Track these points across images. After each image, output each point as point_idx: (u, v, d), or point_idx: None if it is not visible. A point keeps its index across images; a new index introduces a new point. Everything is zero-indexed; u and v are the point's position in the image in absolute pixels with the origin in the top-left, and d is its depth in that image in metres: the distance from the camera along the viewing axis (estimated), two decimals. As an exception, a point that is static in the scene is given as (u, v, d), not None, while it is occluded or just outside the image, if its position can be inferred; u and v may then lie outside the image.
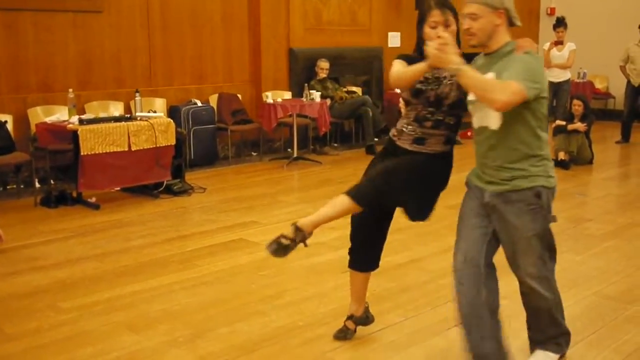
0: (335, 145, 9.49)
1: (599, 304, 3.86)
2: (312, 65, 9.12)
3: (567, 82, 9.36)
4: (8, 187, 6.76)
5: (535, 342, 3.03)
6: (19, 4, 6.82)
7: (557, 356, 3.01)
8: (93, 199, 6.18)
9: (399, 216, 3.19)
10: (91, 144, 5.93)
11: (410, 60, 2.97)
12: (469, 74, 2.57)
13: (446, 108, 2.97)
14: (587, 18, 11.81)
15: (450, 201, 3.09)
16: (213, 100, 8.40)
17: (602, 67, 11.69)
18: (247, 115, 8.54)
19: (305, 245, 2.99)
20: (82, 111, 6.92)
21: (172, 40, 8.07)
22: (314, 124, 8.62)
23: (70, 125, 6.05)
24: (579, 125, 7.98)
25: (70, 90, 6.51)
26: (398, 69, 2.93)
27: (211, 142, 8.12)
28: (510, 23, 2.76)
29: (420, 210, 3.06)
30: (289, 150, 8.64)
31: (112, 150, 6.06)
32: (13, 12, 6.80)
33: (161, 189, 6.54)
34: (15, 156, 6.36)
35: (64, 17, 7.14)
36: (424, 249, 4.85)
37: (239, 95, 8.60)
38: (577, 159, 7.98)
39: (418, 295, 4.01)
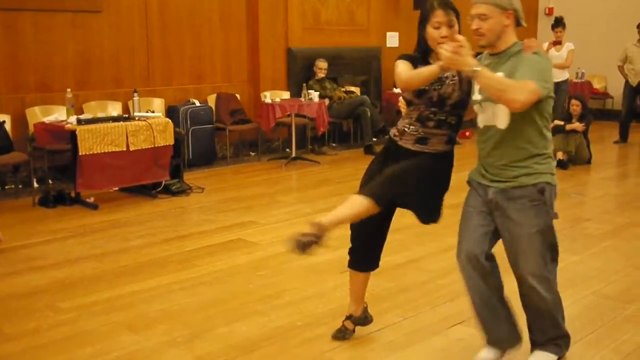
0: (334, 145, 9.49)
1: (597, 304, 3.87)
2: (310, 65, 9.12)
3: (565, 82, 9.37)
4: (6, 187, 6.76)
5: (535, 343, 3.04)
6: (18, 4, 6.81)
7: (556, 357, 3.01)
8: (91, 199, 6.17)
9: (398, 216, 3.19)
10: (89, 144, 5.93)
11: (413, 60, 2.96)
12: (487, 75, 2.59)
13: (449, 108, 2.97)
14: (586, 18, 11.81)
15: (449, 201, 3.09)
16: (211, 100, 8.40)
17: (600, 67, 11.70)
18: (245, 115, 8.55)
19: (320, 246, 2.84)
20: (80, 111, 6.92)
21: (171, 40, 8.07)
22: (312, 123, 8.62)
23: (69, 125, 6.04)
24: (577, 125, 7.99)
25: (69, 90, 6.49)
26: (406, 70, 2.90)
27: (209, 142, 8.12)
28: (517, 23, 2.78)
29: (432, 211, 3.05)
30: (288, 150, 8.63)
31: (110, 150, 6.05)
32: (13, 12, 6.80)
33: (159, 189, 6.53)
34: (13, 156, 6.36)
35: (63, 17, 7.14)
36: (422, 249, 4.85)
37: (237, 95, 8.60)
38: (575, 159, 7.99)
39: (417, 295, 4.01)
